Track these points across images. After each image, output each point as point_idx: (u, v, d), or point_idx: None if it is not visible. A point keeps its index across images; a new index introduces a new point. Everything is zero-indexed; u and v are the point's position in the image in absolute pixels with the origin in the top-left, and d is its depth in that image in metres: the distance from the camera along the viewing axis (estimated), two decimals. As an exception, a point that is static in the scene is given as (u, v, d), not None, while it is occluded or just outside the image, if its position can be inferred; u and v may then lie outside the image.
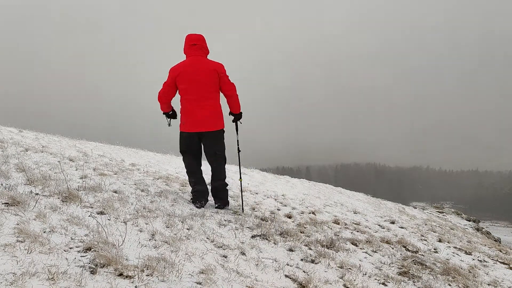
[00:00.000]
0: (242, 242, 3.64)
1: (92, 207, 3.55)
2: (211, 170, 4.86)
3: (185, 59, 4.62)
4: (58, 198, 3.56)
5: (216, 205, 4.84)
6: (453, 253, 5.25)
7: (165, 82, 4.59)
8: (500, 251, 6.34)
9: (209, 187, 4.97)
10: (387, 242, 4.92)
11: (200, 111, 4.54)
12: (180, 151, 4.85)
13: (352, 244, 4.49)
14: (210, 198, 4.98)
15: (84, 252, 2.59)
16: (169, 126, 4.91)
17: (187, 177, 5.19)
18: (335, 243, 4.22)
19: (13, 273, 2.15)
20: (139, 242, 3.00)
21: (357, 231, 5.25)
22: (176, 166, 8.18)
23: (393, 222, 6.58)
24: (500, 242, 11.80)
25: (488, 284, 4.14)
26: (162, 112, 4.83)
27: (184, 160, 4.85)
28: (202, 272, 2.75)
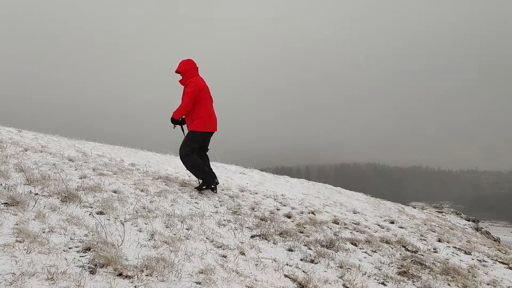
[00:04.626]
0: (242, 242, 3.64)
1: (91, 207, 3.54)
2: (206, 159, 5.83)
3: (196, 77, 5.60)
4: (58, 198, 3.55)
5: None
6: (453, 253, 5.25)
7: (192, 96, 5.45)
8: (499, 251, 6.35)
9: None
10: (387, 242, 4.92)
11: (215, 116, 5.69)
12: (190, 148, 5.49)
13: (352, 244, 4.49)
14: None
15: (84, 252, 2.59)
16: (183, 131, 5.81)
17: (187, 177, 5.35)
18: (334, 243, 4.22)
19: (13, 273, 2.15)
20: (139, 242, 3.00)
21: (357, 231, 5.25)
22: (175, 166, 8.18)
23: (392, 222, 6.58)
24: (499, 242, 11.80)
25: (488, 284, 4.14)
26: (178, 119, 5.59)
27: (191, 155, 5.52)
28: (202, 272, 2.75)
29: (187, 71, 5.54)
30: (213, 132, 5.71)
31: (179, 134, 5.81)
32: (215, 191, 5.64)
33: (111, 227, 3.14)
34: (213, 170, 5.86)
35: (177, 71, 5.59)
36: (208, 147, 5.88)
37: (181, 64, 5.58)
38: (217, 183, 5.67)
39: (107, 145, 10.09)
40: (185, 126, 5.87)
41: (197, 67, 5.66)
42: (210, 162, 5.96)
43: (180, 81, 5.61)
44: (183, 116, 5.70)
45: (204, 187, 5.53)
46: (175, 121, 5.60)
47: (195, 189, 5.50)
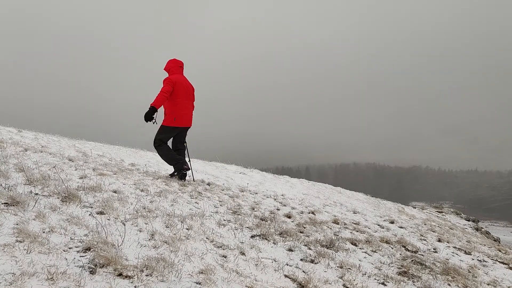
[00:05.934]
0: (242, 242, 3.64)
1: (91, 207, 3.54)
2: (182, 151, 6.23)
3: (173, 74, 5.96)
4: (58, 198, 3.55)
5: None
6: (453, 253, 5.25)
7: (168, 88, 5.76)
8: (500, 250, 6.35)
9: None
10: (387, 242, 4.92)
11: (189, 111, 6.07)
12: (160, 140, 5.88)
13: (352, 244, 4.49)
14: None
15: (84, 252, 2.59)
16: (154, 123, 5.87)
17: (187, 177, 5.51)
18: (334, 243, 4.22)
19: (12, 273, 2.15)
20: (139, 242, 3.00)
21: (357, 231, 5.25)
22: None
23: (392, 222, 6.59)
24: (499, 241, 11.81)
25: (488, 284, 4.14)
26: (155, 108, 5.69)
27: (163, 146, 5.95)
28: (202, 272, 2.74)
29: (169, 69, 6.07)
30: (187, 128, 6.13)
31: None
32: (183, 178, 5.95)
33: (111, 227, 3.14)
34: (213, 170, 5.98)
35: (165, 69, 6.14)
36: (186, 141, 6.27)
37: (166, 63, 6.11)
38: (187, 169, 5.97)
39: (107, 145, 10.10)
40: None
41: (181, 66, 6.11)
42: (210, 162, 6.12)
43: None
44: (153, 116, 5.88)
45: (175, 173, 5.94)
46: (152, 112, 5.66)
47: (169, 176, 5.94)
